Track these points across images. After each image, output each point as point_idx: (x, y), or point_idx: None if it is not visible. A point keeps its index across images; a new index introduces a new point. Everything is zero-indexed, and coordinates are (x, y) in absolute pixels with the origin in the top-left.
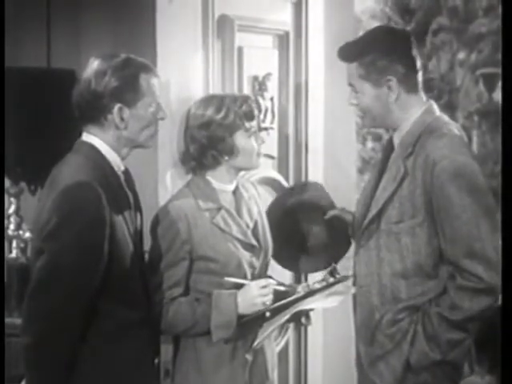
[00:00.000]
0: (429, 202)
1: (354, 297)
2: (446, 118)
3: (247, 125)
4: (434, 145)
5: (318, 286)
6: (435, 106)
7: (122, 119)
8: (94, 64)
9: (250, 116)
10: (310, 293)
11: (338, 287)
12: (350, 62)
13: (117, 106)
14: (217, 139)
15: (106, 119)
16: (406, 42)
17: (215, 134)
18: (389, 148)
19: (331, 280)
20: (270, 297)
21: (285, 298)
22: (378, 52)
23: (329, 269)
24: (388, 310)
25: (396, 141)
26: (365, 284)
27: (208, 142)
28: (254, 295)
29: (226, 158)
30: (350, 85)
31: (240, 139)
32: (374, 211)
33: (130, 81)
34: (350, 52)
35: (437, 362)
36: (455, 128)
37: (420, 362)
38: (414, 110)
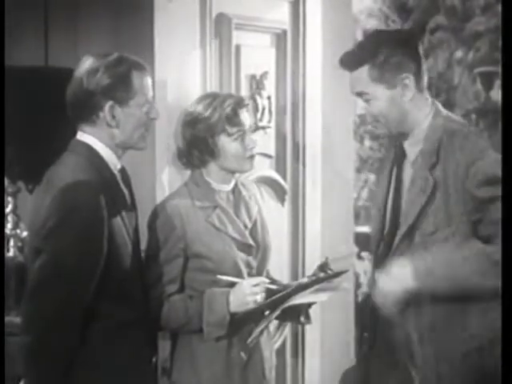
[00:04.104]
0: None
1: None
2: (450, 114)
3: (229, 129)
4: (463, 149)
5: (306, 280)
6: (439, 105)
7: (113, 117)
8: (87, 62)
9: (233, 121)
10: (300, 287)
11: (330, 282)
12: (359, 67)
13: (108, 104)
14: (199, 139)
15: (97, 117)
16: (412, 38)
17: (198, 134)
18: (400, 155)
19: (322, 275)
20: (262, 295)
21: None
22: (390, 49)
23: (319, 263)
24: None
25: (409, 148)
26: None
27: (191, 141)
28: (246, 293)
29: (209, 158)
30: (359, 94)
31: (224, 142)
32: (404, 228)
33: (121, 78)
34: (358, 56)
35: None
36: (463, 123)
37: None
38: (425, 110)
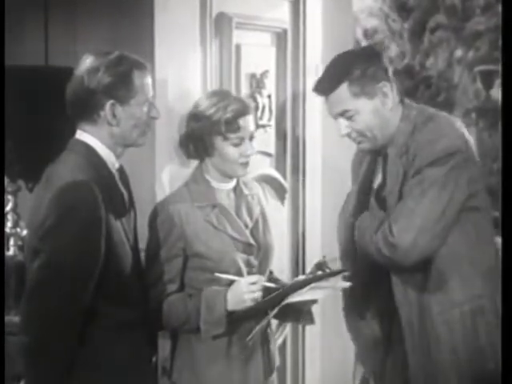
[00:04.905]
0: None
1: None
2: (424, 106)
3: (226, 134)
4: (425, 130)
5: (303, 278)
6: (408, 101)
7: (113, 116)
8: (87, 61)
9: (231, 127)
10: (297, 285)
11: (327, 281)
12: (336, 88)
13: (109, 103)
14: (197, 134)
15: (98, 116)
16: (376, 52)
17: (197, 129)
18: (385, 160)
19: (319, 273)
20: (259, 293)
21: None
22: (364, 63)
23: (317, 262)
24: None
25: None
26: None
27: (190, 134)
28: (243, 291)
29: (204, 155)
30: (342, 113)
31: (220, 144)
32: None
33: (122, 77)
34: (333, 78)
35: None
36: (437, 112)
37: None
38: (398, 112)
